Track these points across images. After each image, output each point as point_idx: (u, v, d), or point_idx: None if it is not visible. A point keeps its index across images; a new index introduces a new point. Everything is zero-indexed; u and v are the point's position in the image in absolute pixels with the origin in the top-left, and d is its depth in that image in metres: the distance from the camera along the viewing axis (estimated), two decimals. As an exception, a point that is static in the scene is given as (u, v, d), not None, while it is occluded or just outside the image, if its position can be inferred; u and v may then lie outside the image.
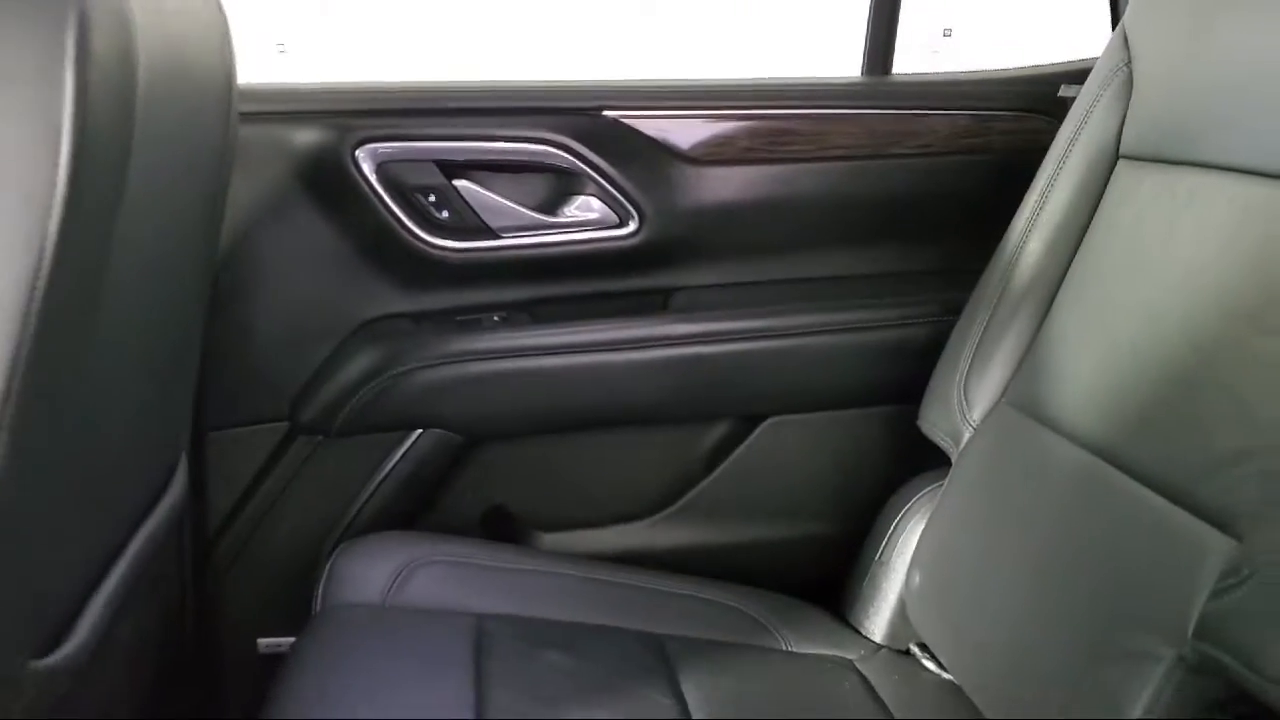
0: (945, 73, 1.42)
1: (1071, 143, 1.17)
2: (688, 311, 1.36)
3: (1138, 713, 0.82)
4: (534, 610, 1.13)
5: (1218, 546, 0.80)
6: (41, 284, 0.59)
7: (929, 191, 1.38)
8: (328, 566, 1.15)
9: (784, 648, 1.18)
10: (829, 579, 1.30)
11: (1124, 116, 1.12)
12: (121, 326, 0.75)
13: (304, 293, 1.29)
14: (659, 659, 1.08)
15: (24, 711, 0.71)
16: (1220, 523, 0.81)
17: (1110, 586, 0.90)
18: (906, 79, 1.41)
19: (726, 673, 1.09)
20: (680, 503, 1.37)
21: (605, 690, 1.02)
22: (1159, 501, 0.88)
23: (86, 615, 0.78)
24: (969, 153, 1.37)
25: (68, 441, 0.68)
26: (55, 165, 0.58)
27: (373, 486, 1.30)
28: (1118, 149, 1.12)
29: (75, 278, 0.62)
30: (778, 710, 1.05)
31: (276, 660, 1.13)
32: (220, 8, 0.96)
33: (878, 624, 1.24)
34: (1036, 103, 1.33)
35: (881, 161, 1.37)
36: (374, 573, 1.14)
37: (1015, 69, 1.41)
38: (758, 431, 1.37)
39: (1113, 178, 1.12)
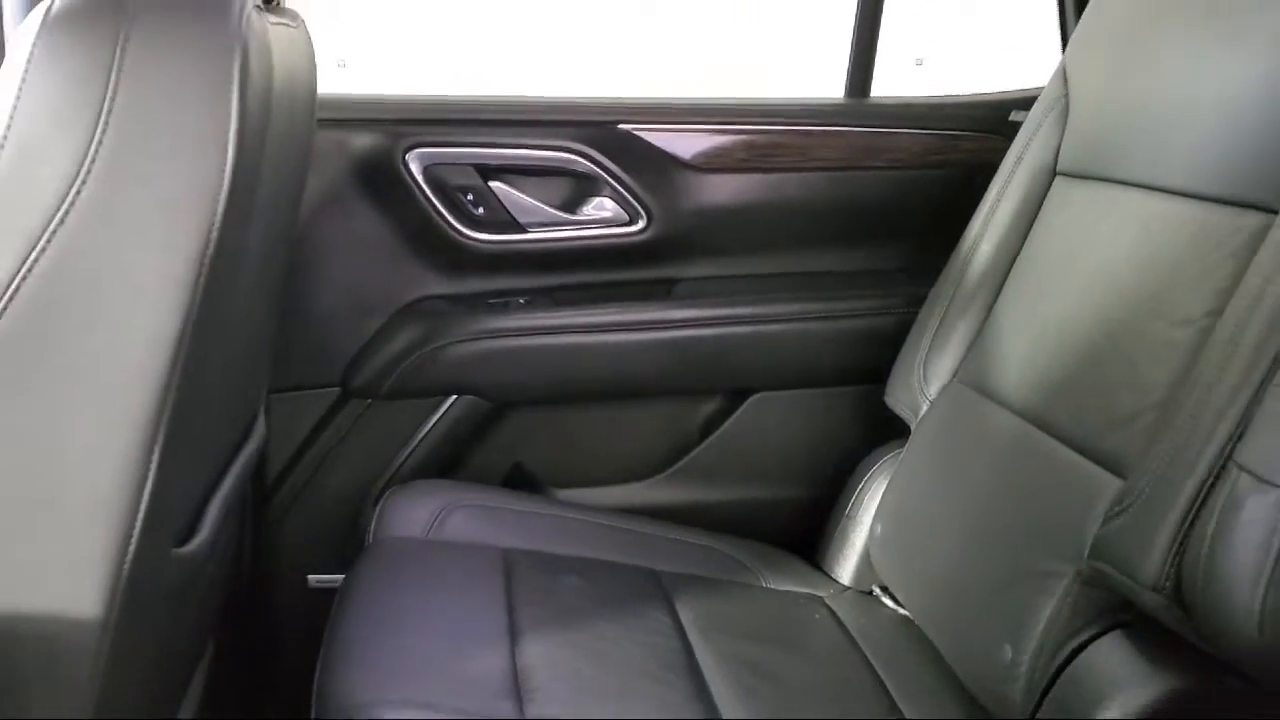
0: (916, 97, 1.62)
1: (1018, 160, 1.36)
2: (688, 299, 1.55)
3: (1043, 623, 1.02)
4: (551, 547, 1.32)
5: (1109, 485, 1.00)
6: (208, 260, 0.77)
7: (898, 200, 1.57)
8: (378, 508, 1.34)
9: (763, 584, 1.37)
10: (806, 533, 1.49)
11: (1061, 139, 1.31)
12: (248, 293, 0.94)
13: (358, 275, 1.48)
14: (656, 587, 1.28)
15: (165, 591, 0.90)
16: (1113, 468, 1.01)
17: (1026, 522, 1.10)
18: (882, 101, 1.61)
19: (713, 600, 1.28)
20: (677, 465, 1.56)
21: (615, 607, 1.21)
22: (1068, 453, 1.08)
23: (207, 518, 0.97)
24: (934, 167, 1.56)
25: (213, 375, 0.87)
26: (223, 166, 0.77)
27: (413, 444, 1.49)
28: (1055, 166, 1.31)
29: (228, 254, 0.81)
30: (758, 631, 1.24)
31: (325, 595, 1.31)
32: (308, 35, 1.15)
33: (846, 569, 1.43)
34: (992, 125, 1.52)
35: (858, 173, 1.56)
36: (417, 514, 1.33)
37: (974, 95, 1.60)
38: (746, 405, 1.56)
39: (1050, 191, 1.31)
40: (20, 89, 0.75)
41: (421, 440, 1.49)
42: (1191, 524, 0.87)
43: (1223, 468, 0.86)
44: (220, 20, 0.79)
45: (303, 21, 1.15)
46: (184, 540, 0.93)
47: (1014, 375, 1.22)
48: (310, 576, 1.50)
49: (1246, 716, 0.94)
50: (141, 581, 0.80)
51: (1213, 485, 0.87)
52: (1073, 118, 1.30)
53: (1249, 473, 0.84)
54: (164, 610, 0.92)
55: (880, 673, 1.20)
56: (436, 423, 1.49)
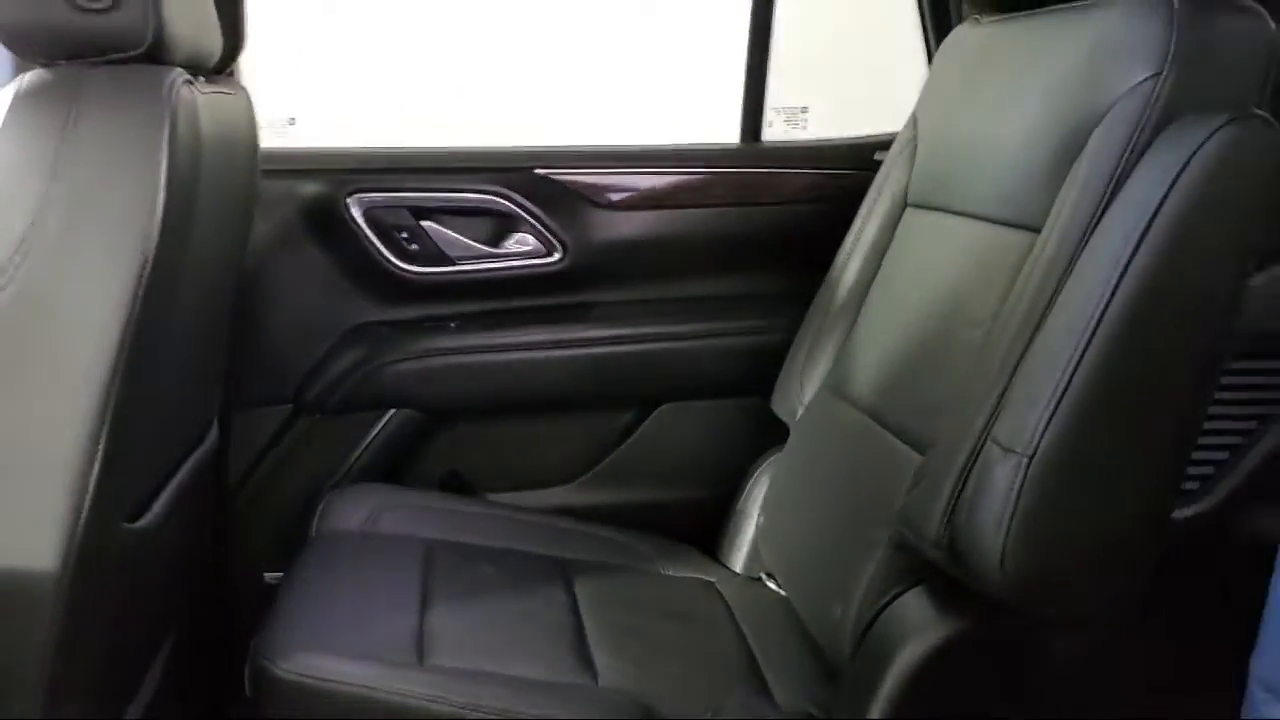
0: (798, 141, 1.81)
1: (878, 194, 1.55)
2: (601, 321, 1.73)
3: (864, 583, 1.19)
4: (470, 539, 1.50)
5: (915, 463, 1.17)
6: (145, 278, 0.96)
7: (784, 231, 1.76)
8: (320, 508, 1.52)
9: (661, 572, 1.55)
10: (708, 528, 1.67)
11: (910, 175, 1.50)
12: (187, 315, 1.13)
13: (307, 305, 1.67)
14: (560, 571, 1.45)
15: (117, 560, 1.08)
16: (919, 448, 1.18)
17: (857, 500, 1.27)
18: (769, 145, 1.80)
19: (609, 582, 1.45)
20: (594, 470, 1.74)
21: (519, 588, 1.38)
22: (891, 439, 1.26)
23: (158, 502, 1.15)
24: (813, 201, 1.75)
25: (153, 377, 1.05)
26: (155, 203, 0.96)
27: (358, 452, 1.67)
28: (906, 198, 1.49)
29: (163, 283, 1.00)
30: (644, 607, 1.41)
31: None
32: (249, 99, 1.35)
33: (737, 558, 1.60)
34: (861, 164, 1.70)
35: (749, 209, 1.75)
36: (354, 512, 1.51)
37: (847, 138, 1.80)
38: (654, 415, 1.74)
39: (902, 220, 1.49)
40: (-11, 152, 0.94)
41: (365, 449, 1.67)
42: (960, 489, 1.05)
43: (984, 443, 1.04)
44: (153, 96, 0.99)
45: (244, 89, 1.35)
46: (135, 517, 1.11)
47: (862, 379, 1.40)
48: (266, 574, 1.67)
49: (1016, 654, 1.11)
50: (93, 546, 0.98)
51: (975, 457, 1.04)
52: (919, 157, 1.49)
53: (997, 444, 1.02)
54: (117, 579, 1.10)
55: (749, 640, 1.37)
56: (378, 434, 1.67)
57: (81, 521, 0.95)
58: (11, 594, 0.94)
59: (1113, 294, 0.96)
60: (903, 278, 1.43)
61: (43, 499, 0.94)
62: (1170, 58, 1.03)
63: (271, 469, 1.66)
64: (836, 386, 1.46)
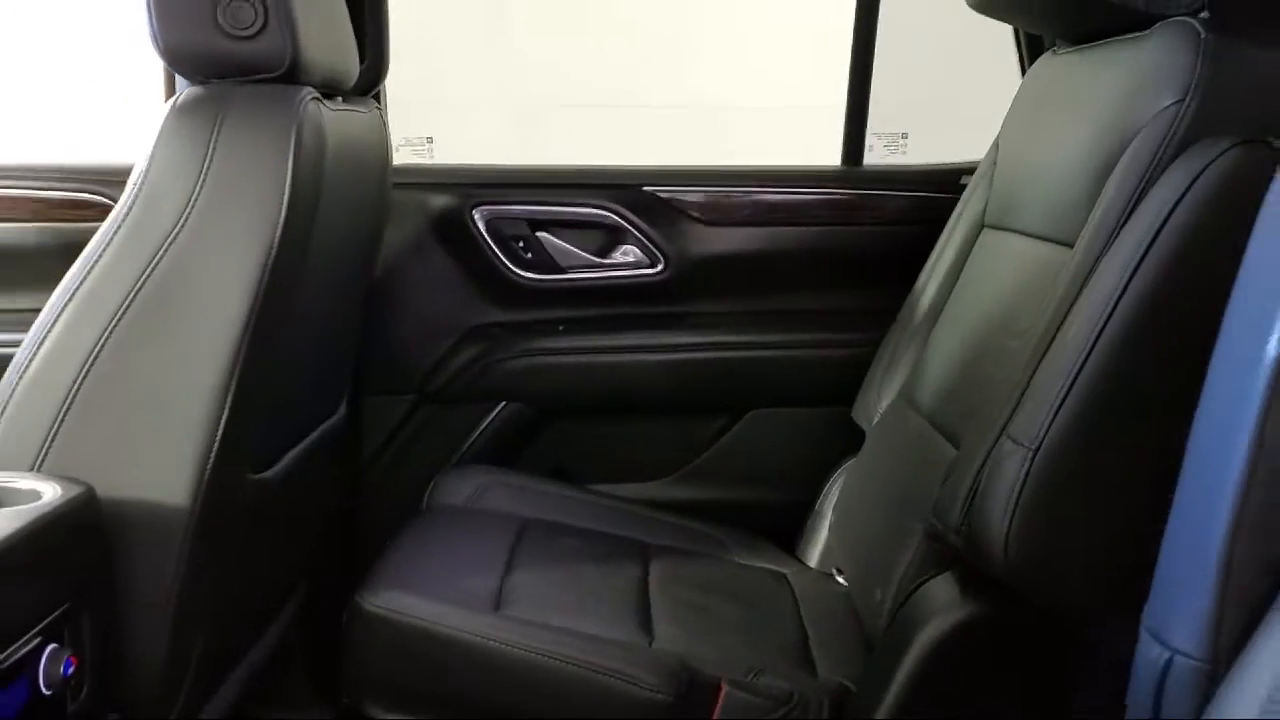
0: (894, 165, 1.90)
1: (959, 216, 1.63)
2: (696, 329, 1.86)
3: (900, 569, 1.27)
4: (561, 519, 1.64)
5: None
6: (271, 261, 1.14)
7: (874, 250, 1.84)
8: (432, 484, 1.69)
9: (736, 561, 1.65)
10: (788, 527, 1.76)
11: (988, 198, 1.57)
12: (311, 296, 1.31)
13: (433, 306, 1.85)
14: (639, 551, 1.57)
15: (243, 505, 1.26)
16: (958, 447, 1.26)
17: (905, 496, 1.36)
18: (870, 169, 1.89)
19: (684, 564, 1.57)
20: (686, 468, 1.86)
21: (597, 561, 1.51)
22: (941, 440, 1.34)
23: (283, 461, 1.34)
24: (905, 223, 1.83)
25: (276, 349, 1.23)
26: (281, 199, 1.14)
27: (470, 440, 1.84)
28: (983, 220, 1.57)
29: (287, 262, 1.17)
30: (711, 587, 1.52)
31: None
32: (381, 119, 1.53)
33: (812, 554, 1.69)
34: (949, 188, 1.78)
35: (843, 228, 1.85)
36: (462, 490, 1.67)
37: (938, 164, 1.87)
38: (744, 420, 1.85)
39: (979, 240, 1.57)
40: (153, 152, 1.14)
41: (478, 436, 1.84)
42: (977, 481, 1.13)
43: (1000, 438, 1.12)
44: (286, 111, 1.17)
45: (376, 109, 1.54)
46: (260, 469, 1.29)
47: (927, 388, 1.48)
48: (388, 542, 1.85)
49: (1027, 638, 1.17)
50: (220, 490, 1.16)
51: (992, 451, 1.12)
52: (996, 180, 1.56)
53: (1010, 439, 1.09)
54: (242, 523, 1.28)
55: (807, 624, 1.46)
56: (489, 423, 1.83)
57: (209, 467, 1.13)
58: (150, 524, 1.12)
59: (1117, 303, 1.03)
60: (970, 294, 1.51)
61: (178, 445, 1.12)
62: (1194, 86, 1.09)
63: (397, 451, 1.85)
64: (908, 396, 1.54)
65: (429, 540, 1.50)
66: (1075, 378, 1.04)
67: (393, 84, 1.77)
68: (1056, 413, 1.05)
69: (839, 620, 1.47)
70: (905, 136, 1.92)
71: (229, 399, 1.13)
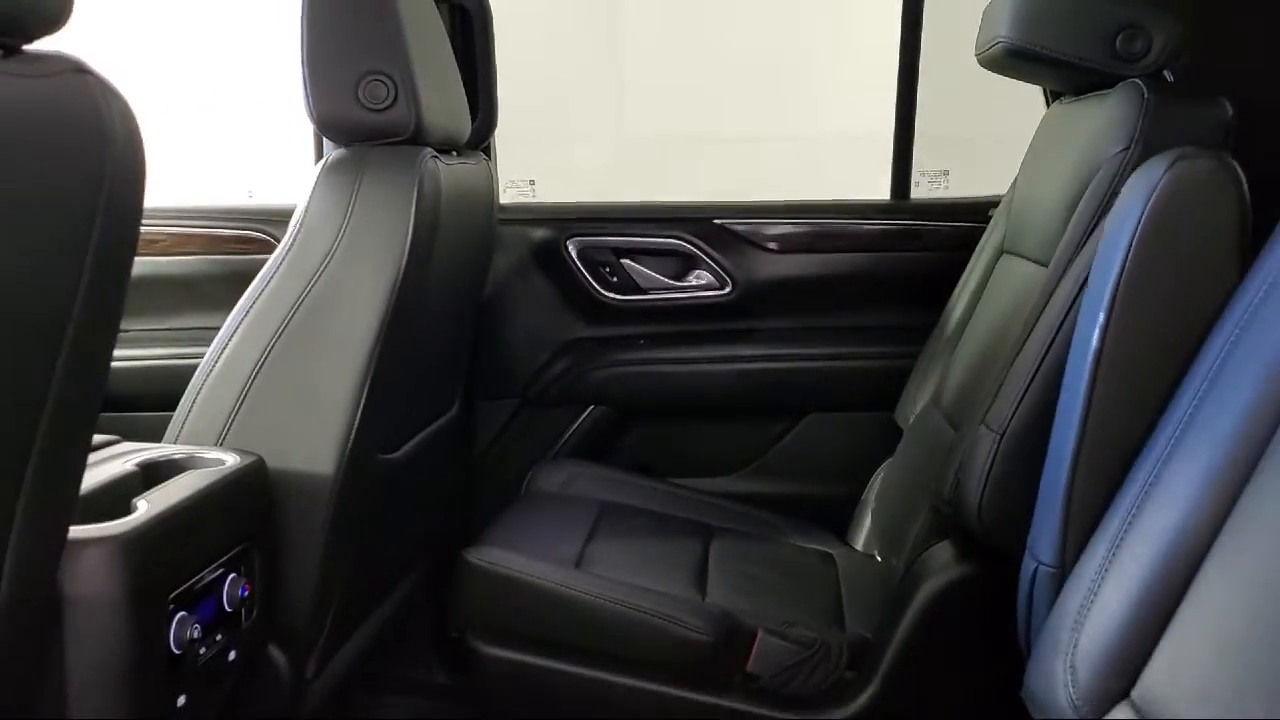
0: (938, 198, 2.13)
1: (984, 244, 1.86)
2: (761, 343, 2.11)
3: (910, 540, 1.51)
4: (637, 504, 1.91)
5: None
6: (398, 285, 1.44)
7: (920, 274, 2.07)
8: (530, 474, 1.98)
9: (790, 542, 1.90)
10: (841, 517, 2.00)
11: (1006, 228, 1.79)
12: (431, 314, 1.61)
13: (533, 322, 2.14)
14: (703, 531, 1.83)
15: (375, 481, 1.56)
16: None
17: (924, 478, 1.59)
18: (913, 202, 2.13)
19: (741, 543, 1.82)
20: (751, 465, 2.11)
21: (664, 538, 1.78)
22: (951, 432, 1.56)
23: (407, 446, 1.64)
24: (942, 249, 2.06)
25: (402, 355, 1.54)
26: (405, 238, 1.44)
27: (565, 437, 2.12)
28: (1003, 247, 1.79)
29: (411, 286, 1.48)
30: (763, 560, 1.77)
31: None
32: (488, 170, 1.84)
33: (858, 538, 1.92)
34: (980, 219, 2.00)
35: (889, 254, 2.08)
36: (554, 480, 1.96)
37: (971, 198, 2.10)
38: (802, 422, 2.10)
39: (999, 264, 1.79)
40: (309, 201, 1.46)
41: (571, 435, 2.12)
42: (959, 462, 1.36)
43: (978, 426, 1.35)
44: (410, 168, 1.48)
45: (484, 162, 1.85)
46: (388, 451, 1.59)
47: (948, 390, 1.71)
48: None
49: (1011, 592, 1.39)
50: (357, 464, 1.46)
51: (972, 437, 1.35)
52: (1010, 212, 1.78)
53: (985, 426, 1.33)
54: (374, 495, 1.58)
55: (843, 593, 1.70)
56: (580, 424, 2.12)
57: (349, 446, 1.44)
58: (302, 488, 1.43)
59: (1069, 308, 1.26)
60: (987, 310, 1.73)
61: (325, 428, 1.43)
62: (1137, 136, 1.31)
63: (503, 446, 2.14)
64: (935, 399, 1.77)
65: (525, 516, 1.79)
66: (1035, 374, 1.27)
67: (502, 129, 2.09)
68: (1019, 404, 1.28)
69: (871, 589, 1.70)
70: (947, 174, 2.15)
71: (364, 394, 1.44)
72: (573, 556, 1.63)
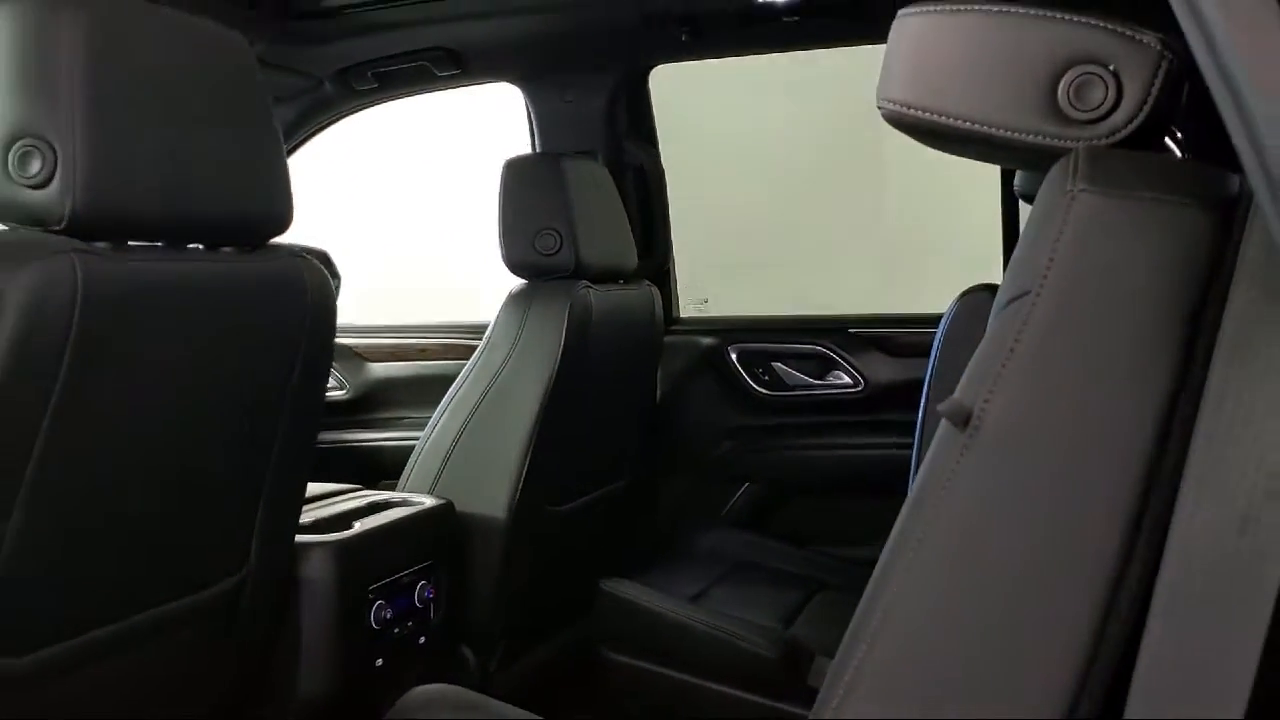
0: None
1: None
2: (888, 432, 2.44)
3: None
4: (767, 563, 2.30)
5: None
6: (550, 387, 1.96)
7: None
8: (688, 533, 2.42)
9: (893, 598, 2.21)
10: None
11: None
12: (587, 406, 2.11)
13: (702, 412, 2.59)
14: (815, 585, 2.19)
15: (544, 529, 2.06)
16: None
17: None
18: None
19: (842, 593, 2.16)
20: (880, 536, 2.43)
21: (776, 586, 2.16)
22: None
23: (573, 503, 2.14)
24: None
25: (560, 431, 2.04)
26: (556, 352, 1.96)
27: (728, 505, 2.54)
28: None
29: (565, 385, 1.98)
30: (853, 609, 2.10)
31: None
32: (651, 295, 2.33)
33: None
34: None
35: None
36: (708, 537, 2.39)
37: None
38: (922, 499, 2.40)
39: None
40: (495, 322, 2.03)
41: (733, 504, 2.54)
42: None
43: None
44: (565, 298, 2.00)
45: (649, 288, 2.35)
46: (555, 505, 2.10)
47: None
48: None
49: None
50: (525, 512, 1.97)
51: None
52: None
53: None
54: (542, 537, 2.08)
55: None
56: (737, 498, 2.54)
57: (517, 497, 1.96)
58: (482, 527, 1.96)
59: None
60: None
61: (500, 483, 1.96)
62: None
63: (678, 514, 2.60)
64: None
65: (667, 564, 2.24)
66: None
67: (688, 259, 2.61)
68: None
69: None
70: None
71: (527, 461, 1.96)
72: (693, 594, 2.05)
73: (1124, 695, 0.67)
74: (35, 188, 1.07)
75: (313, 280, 1.36)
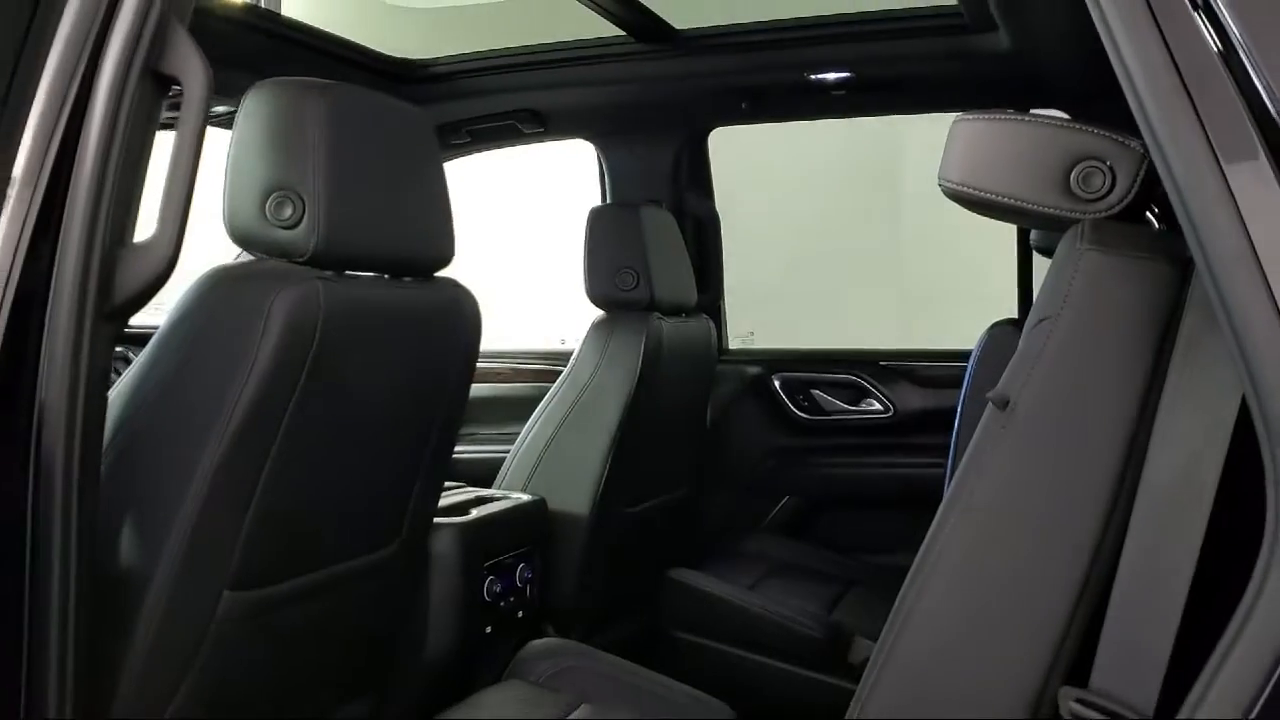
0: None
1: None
2: (914, 454, 2.76)
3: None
4: (807, 564, 2.60)
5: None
6: (628, 405, 2.27)
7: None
8: (738, 539, 2.73)
9: (918, 596, 2.51)
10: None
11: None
12: (655, 424, 2.43)
13: (748, 434, 2.90)
14: (850, 583, 2.49)
15: (618, 524, 2.38)
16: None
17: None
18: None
19: (880, 589, 2.47)
20: (907, 545, 2.74)
21: (817, 581, 2.46)
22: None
23: (640, 506, 2.45)
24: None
25: (637, 445, 2.35)
26: (635, 370, 2.28)
27: (770, 516, 2.85)
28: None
29: (637, 404, 2.29)
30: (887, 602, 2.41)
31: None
32: (708, 326, 2.66)
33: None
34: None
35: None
36: (754, 545, 2.70)
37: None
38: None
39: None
40: (581, 347, 2.36)
41: (774, 515, 2.85)
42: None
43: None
44: (640, 328, 2.33)
45: (706, 320, 2.67)
46: (628, 507, 2.41)
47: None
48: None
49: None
50: (603, 511, 2.28)
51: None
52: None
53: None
54: (618, 536, 2.38)
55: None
56: (778, 510, 2.85)
57: (598, 497, 2.27)
58: (567, 522, 2.26)
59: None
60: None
61: (584, 484, 2.27)
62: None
63: (720, 522, 2.90)
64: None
65: (721, 563, 2.54)
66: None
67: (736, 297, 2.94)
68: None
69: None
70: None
71: (607, 467, 2.27)
72: (747, 584, 2.36)
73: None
74: (287, 229, 1.35)
75: (470, 307, 1.68)
